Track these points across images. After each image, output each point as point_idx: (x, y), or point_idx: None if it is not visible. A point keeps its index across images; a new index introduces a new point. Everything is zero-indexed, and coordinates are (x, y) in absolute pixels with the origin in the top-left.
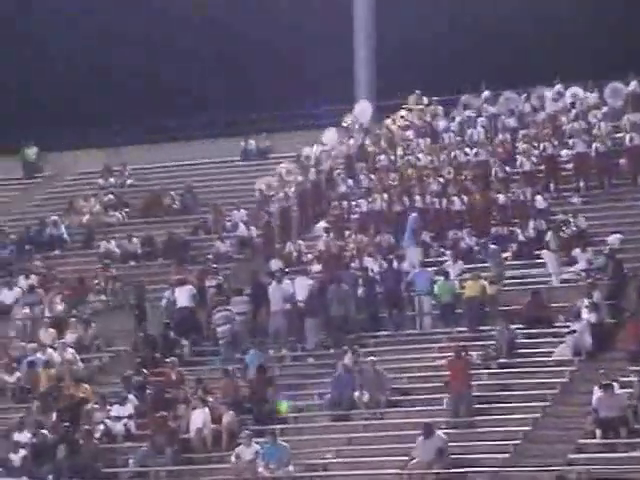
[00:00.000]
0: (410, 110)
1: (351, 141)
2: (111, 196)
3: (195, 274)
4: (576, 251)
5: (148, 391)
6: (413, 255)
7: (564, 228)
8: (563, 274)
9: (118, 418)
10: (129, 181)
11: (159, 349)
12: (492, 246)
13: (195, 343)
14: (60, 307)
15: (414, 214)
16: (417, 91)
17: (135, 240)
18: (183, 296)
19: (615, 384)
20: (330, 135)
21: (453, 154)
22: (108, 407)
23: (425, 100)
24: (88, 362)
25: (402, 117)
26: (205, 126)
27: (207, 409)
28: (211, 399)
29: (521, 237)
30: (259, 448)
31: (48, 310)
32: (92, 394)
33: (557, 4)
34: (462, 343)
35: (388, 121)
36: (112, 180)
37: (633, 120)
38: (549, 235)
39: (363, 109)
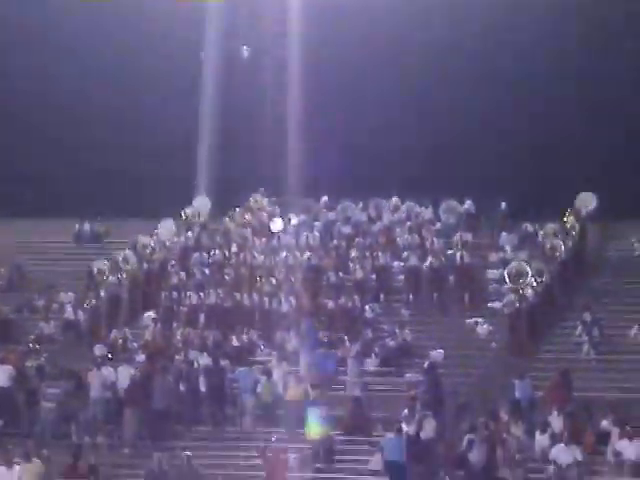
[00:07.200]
0: (250, 209)
1: (188, 233)
2: None
3: (16, 354)
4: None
5: None
6: None
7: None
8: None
9: None
10: None
11: None
12: (318, 350)
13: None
14: None
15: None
16: (261, 189)
17: None
18: (1, 376)
19: None
20: (166, 226)
21: (285, 255)
22: None
23: (265, 200)
24: None
25: (240, 215)
26: (38, 205)
27: None
28: None
29: (348, 345)
30: None
31: None
32: None
33: (402, 120)
34: (281, 445)
35: (226, 218)
36: None
37: (465, 239)
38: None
39: (202, 203)
